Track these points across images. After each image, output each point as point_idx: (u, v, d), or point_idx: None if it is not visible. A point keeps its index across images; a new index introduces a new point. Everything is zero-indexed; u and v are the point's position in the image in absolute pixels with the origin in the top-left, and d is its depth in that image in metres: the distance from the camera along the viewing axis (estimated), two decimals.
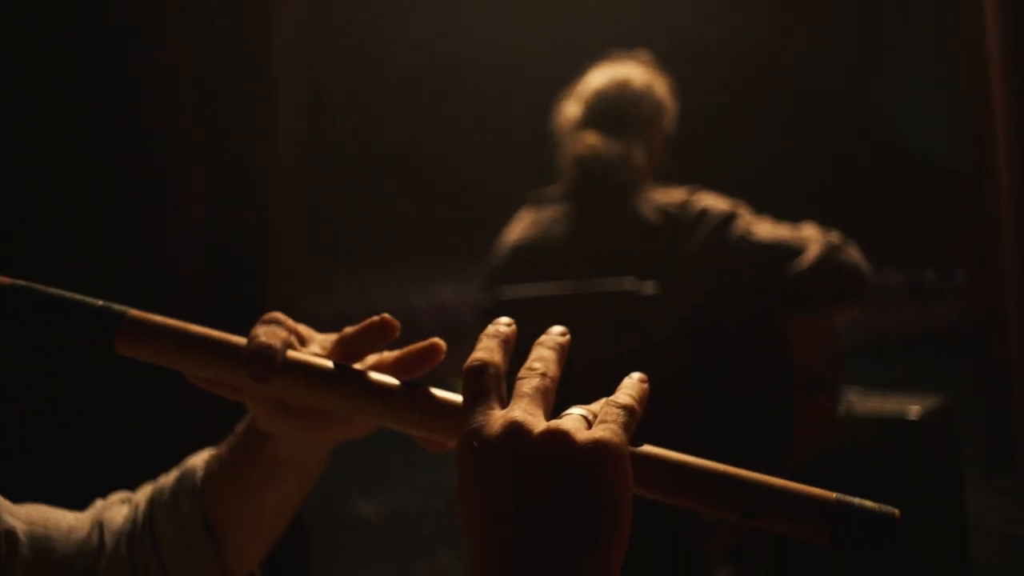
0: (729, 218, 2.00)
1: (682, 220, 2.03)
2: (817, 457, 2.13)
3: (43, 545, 0.96)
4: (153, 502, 1.02)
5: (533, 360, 0.71)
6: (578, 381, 2.04)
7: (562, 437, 0.63)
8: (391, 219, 5.97)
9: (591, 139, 2.16)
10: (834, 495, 0.66)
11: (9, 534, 0.94)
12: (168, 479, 1.04)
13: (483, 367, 0.69)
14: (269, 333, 0.82)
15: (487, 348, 0.71)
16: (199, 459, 1.03)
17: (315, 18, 3.22)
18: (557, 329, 0.74)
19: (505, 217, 2.33)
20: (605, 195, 2.13)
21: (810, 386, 2.05)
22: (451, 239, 5.84)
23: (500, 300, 2.06)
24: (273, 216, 3.09)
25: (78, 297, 0.84)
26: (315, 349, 0.85)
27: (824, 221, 2.07)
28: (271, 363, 0.79)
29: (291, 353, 0.81)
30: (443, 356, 0.82)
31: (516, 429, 0.64)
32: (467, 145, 5.65)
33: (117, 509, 1.03)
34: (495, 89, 4.89)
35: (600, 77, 2.24)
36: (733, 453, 2.10)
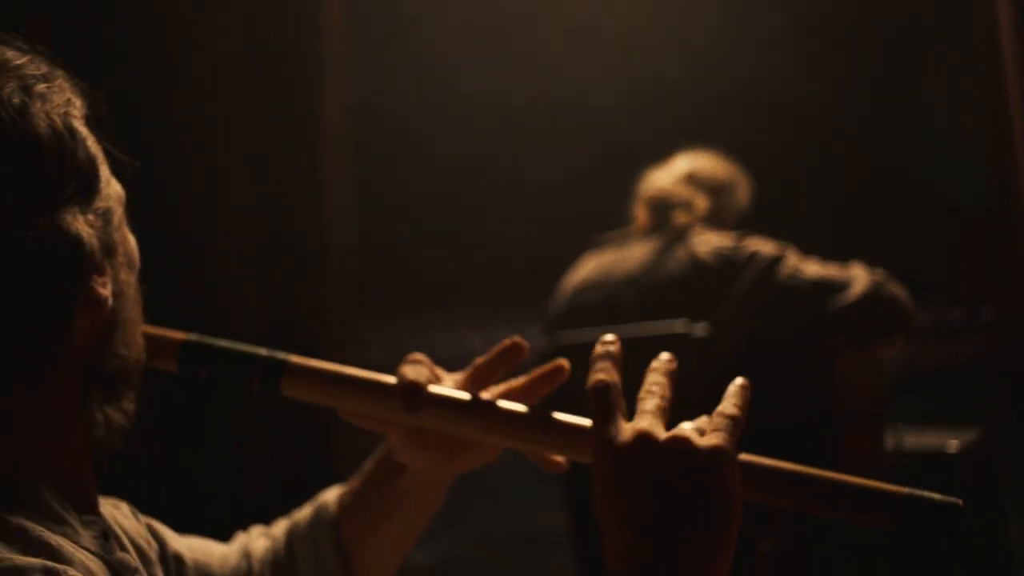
0: (777, 259, 2.12)
1: (734, 262, 2.15)
2: None
3: (204, 570, 1.10)
4: (290, 534, 1.16)
5: (650, 384, 0.82)
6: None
7: (685, 442, 0.74)
8: (444, 263, 6.09)
9: (662, 182, 2.36)
10: (905, 489, 0.78)
11: (177, 558, 1.08)
12: (303, 514, 1.17)
13: (606, 387, 0.79)
14: (415, 371, 0.93)
15: (605, 369, 0.81)
16: (331, 495, 1.17)
17: (362, 64, 3.33)
18: (665, 356, 0.85)
19: (556, 260, 2.46)
20: (665, 236, 2.27)
21: (856, 421, 2.14)
22: (502, 281, 5.94)
23: (557, 345, 2.16)
24: (324, 266, 3.20)
25: (246, 348, 0.97)
26: (449, 384, 0.97)
27: (856, 260, 2.19)
28: (419, 396, 0.91)
29: (432, 388, 0.93)
30: (567, 376, 0.95)
31: (645, 437, 0.75)
32: (521, 187, 5.76)
33: (258, 541, 1.17)
34: (546, 133, 5.02)
35: (680, 162, 2.46)
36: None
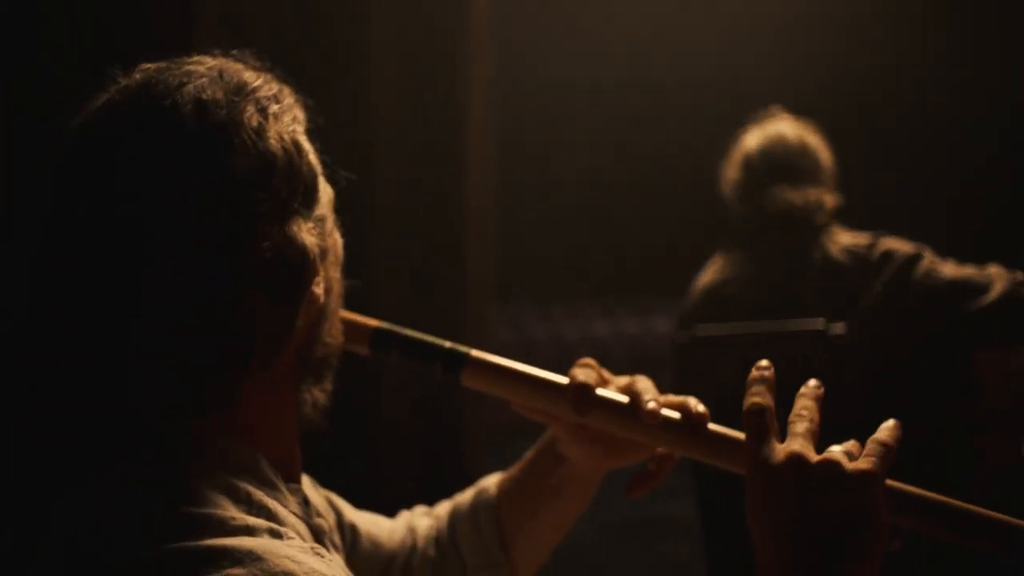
0: (914, 259, 2.10)
1: (868, 261, 2.13)
2: (995, 494, 2.17)
3: (374, 540, 1.22)
4: (453, 515, 1.26)
5: (800, 408, 0.88)
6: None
7: (835, 466, 0.80)
8: (575, 253, 6.12)
9: (783, 194, 2.30)
10: None
11: (352, 527, 1.20)
12: (465, 497, 1.28)
13: (762, 410, 0.86)
14: (586, 374, 1.02)
15: (760, 393, 0.87)
16: (492, 480, 1.27)
17: (504, 47, 3.37)
18: (813, 383, 0.92)
19: (686, 252, 2.48)
20: (798, 239, 2.26)
21: (994, 424, 2.11)
22: (632, 272, 5.94)
23: (694, 337, 2.20)
24: (464, 253, 3.27)
25: (430, 339, 1.07)
26: (613, 388, 1.05)
27: (981, 260, 2.14)
28: (589, 398, 1.00)
29: (600, 391, 1.01)
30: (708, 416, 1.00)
31: (797, 459, 0.81)
32: (653, 179, 5.75)
33: (422, 519, 1.29)
34: (693, 118, 4.99)
35: (755, 138, 2.40)
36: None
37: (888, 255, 2.12)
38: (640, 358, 5.52)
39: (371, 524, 1.23)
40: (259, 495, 0.84)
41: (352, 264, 2.88)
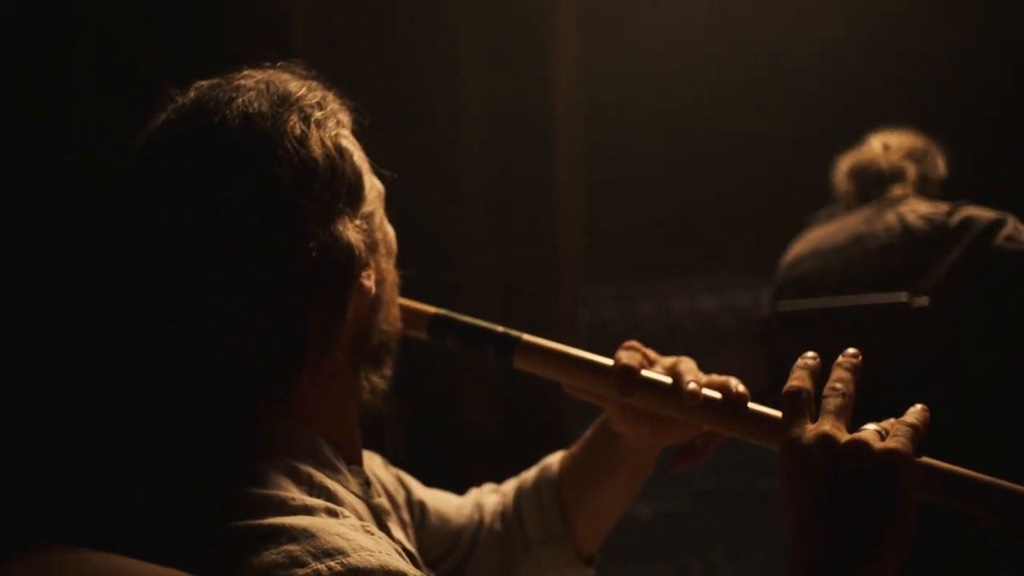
0: (996, 224, 2.04)
1: (947, 228, 2.08)
2: None
3: (443, 516, 1.29)
4: (519, 491, 1.33)
5: (834, 380, 0.91)
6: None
7: (864, 446, 0.83)
8: (653, 230, 6.10)
9: (870, 152, 2.34)
10: None
11: (420, 504, 1.28)
12: (529, 475, 1.34)
13: (798, 392, 0.90)
14: (630, 357, 1.07)
15: (800, 377, 0.91)
16: (555, 458, 1.33)
17: (590, 29, 3.38)
18: (851, 351, 0.94)
19: (764, 229, 2.49)
20: (875, 206, 2.25)
21: None
22: (710, 248, 5.90)
23: (777, 312, 2.23)
24: (555, 231, 3.30)
25: (484, 324, 1.14)
26: (658, 369, 1.10)
27: None
28: (633, 380, 1.05)
29: (644, 372, 1.06)
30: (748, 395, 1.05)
31: (827, 439, 0.84)
32: (732, 155, 5.70)
33: (490, 496, 1.36)
34: (763, 98, 4.92)
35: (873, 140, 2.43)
36: (996, 463, 2.13)
37: (968, 221, 2.06)
38: (717, 334, 5.49)
39: (440, 501, 1.30)
40: (320, 477, 0.91)
41: (444, 249, 2.94)
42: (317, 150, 0.91)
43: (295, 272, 0.88)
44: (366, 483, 1.02)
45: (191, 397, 0.90)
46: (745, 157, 5.39)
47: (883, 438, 0.85)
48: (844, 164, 2.42)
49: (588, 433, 1.27)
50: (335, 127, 0.96)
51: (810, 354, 0.95)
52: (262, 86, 0.93)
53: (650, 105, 5.76)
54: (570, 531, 1.27)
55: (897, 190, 2.28)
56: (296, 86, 0.96)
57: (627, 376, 1.05)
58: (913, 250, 2.11)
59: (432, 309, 1.15)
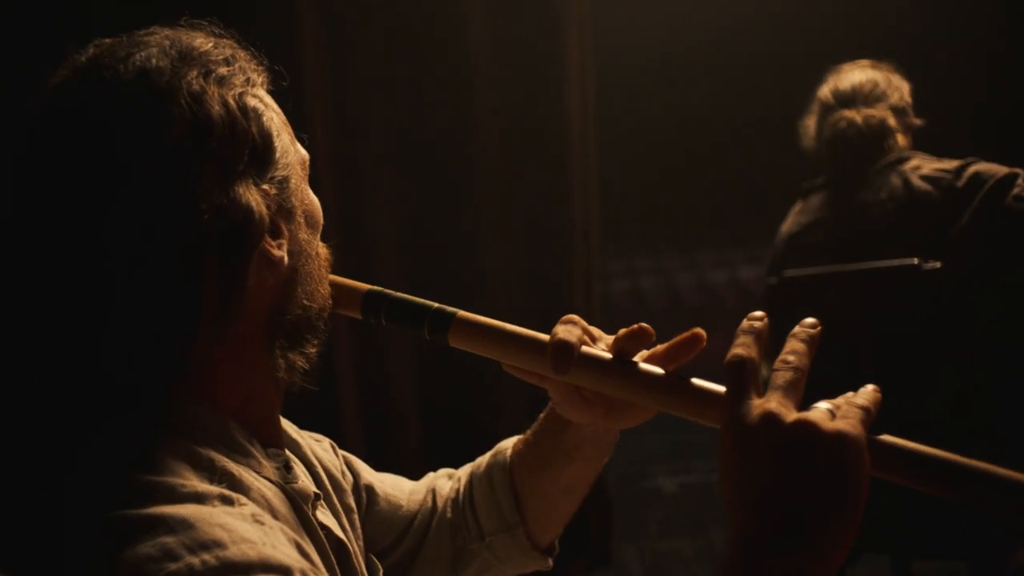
0: (1006, 180, 1.98)
1: (955, 188, 2.02)
2: None
3: (393, 501, 1.22)
4: (472, 476, 1.25)
5: (787, 352, 0.81)
6: (859, 355, 2.14)
7: (811, 426, 0.74)
8: (689, 202, 6.06)
9: (844, 113, 2.24)
10: None
11: (369, 489, 1.21)
12: (483, 459, 1.26)
13: (742, 362, 0.80)
14: (567, 332, 0.97)
15: (744, 344, 0.81)
16: (509, 442, 1.25)
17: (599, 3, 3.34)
18: (809, 321, 0.83)
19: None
20: (869, 168, 2.18)
21: None
22: (749, 220, 5.86)
23: (784, 279, 2.18)
24: (569, 206, 3.29)
25: (420, 300, 1.06)
26: (602, 346, 1.00)
27: None
28: (569, 357, 0.95)
29: (584, 349, 0.97)
30: (704, 344, 0.96)
31: (771, 418, 0.75)
32: (762, 127, 5.64)
33: (444, 481, 1.28)
34: (785, 71, 4.86)
35: (828, 83, 2.35)
36: (1010, 423, 2.09)
37: (976, 179, 2.00)
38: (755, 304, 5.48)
39: (391, 487, 1.24)
40: (223, 461, 0.85)
41: (460, 223, 2.92)
42: (215, 108, 0.86)
43: (185, 234, 0.83)
44: (286, 466, 0.97)
45: (84, 369, 0.85)
46: (758, 127, 5.34)
47: (833, 418, 0.77)
48: (810, 129, 2.35)
49: (541, 416, 1.18)
50: (243, 85, 0.91)
51: (757, 314, 0.84)
52: (166, 42, 0.89)
53: (663, 79, 5.71)
54: (523, 519, 1.20)
55: (891, 145, 2.21)
56: (202, 42, 0.91)
57: (563, 352, 0.95)
58: (921, 215, 2.05)
59: (365, 286, 1.08)
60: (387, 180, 3.16)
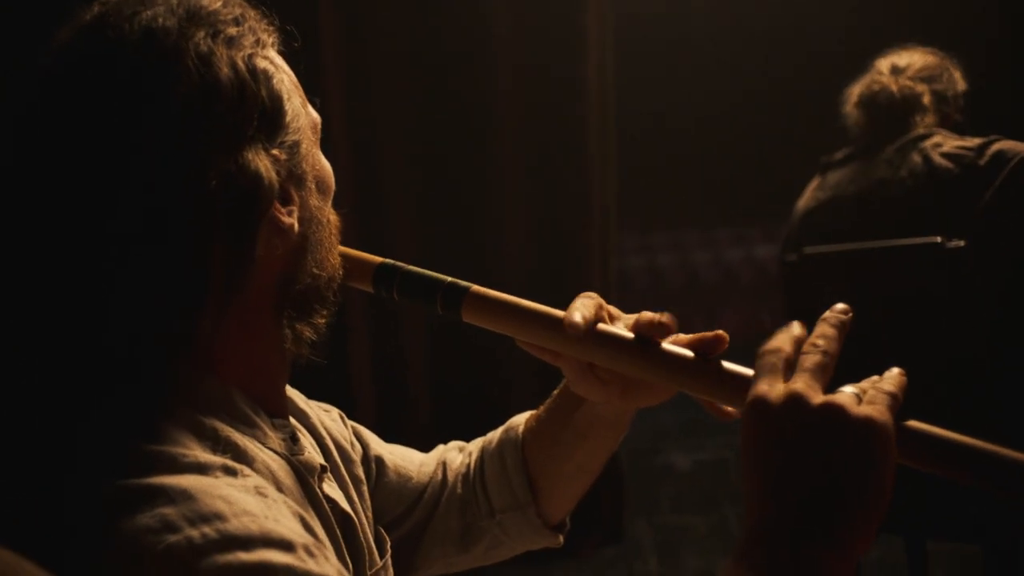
0: None
1: (976, 166, 1.99)
2: None
3: (403, 472, 1.21)
4: (483, 451, 1.23)
5: (816, 337, 0.78)
6: (879, 334, 2.11)
7: (838, 409, 0.71)
8: (706, 180, 6.02)
9: (879, 77, 2.22)
10: None
11: (378, 460, 1.20)
12: (495, 434, 1.24)
13: (776, 350, 0.78)
14: (583, 306, 0.95)
15: (782, 339, 0.79)
16: (521, 418, 1.23)
17: None
18: (840, 307, 0.81)
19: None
20: (891, 143, 2.15)
21: None
22: (765, 198, 5.83)
23: (803, 256, 2.13)
24: (588, 183, 3.28)
25: (433, 274, 1.03)
26: (621, 325, 0.98)
27: None
28: (583, 323, 0.93)
29: (601, 325, 0.95)
30: (726, 346, 0.92)
31: (798, 399, 0.72)
32: (775, 105, 5.59)
33: (455, 454, 1.27)
34: (798, 50, 4.81)
35: (888, 56, 2.31)
36: None
37: (999, 157, 1.97)
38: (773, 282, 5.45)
39: (401, 457, 1.23)
40: (227, 431, 0.84)
41: (479, 195, 2.92)
42: (224, 70, 0.84)
43: (193, 200, 0.81)
44: (292, 438, 0.96)
45: (89, 339, 0.83)
46: (778, 103, 5.29)
47: (860, 401, 0.74)
48: (854, 93, 2.31)
49: (554, 393, 1.16)
50: (252, 46, 0.88)
51: (796, 324, 0.81)
52: (173, 0, 0.86)
53: (683, 54, 5.67)
54: (535, 498, 1.19)
55: (917, 121, 2.18)
56: (210, 1, 0.88)
57: (578, 319, 0.93)
58: (942, 193, 2.02)
59: (378, 259, 1.04)
60: (404, 155, 3.16)
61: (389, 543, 1.12)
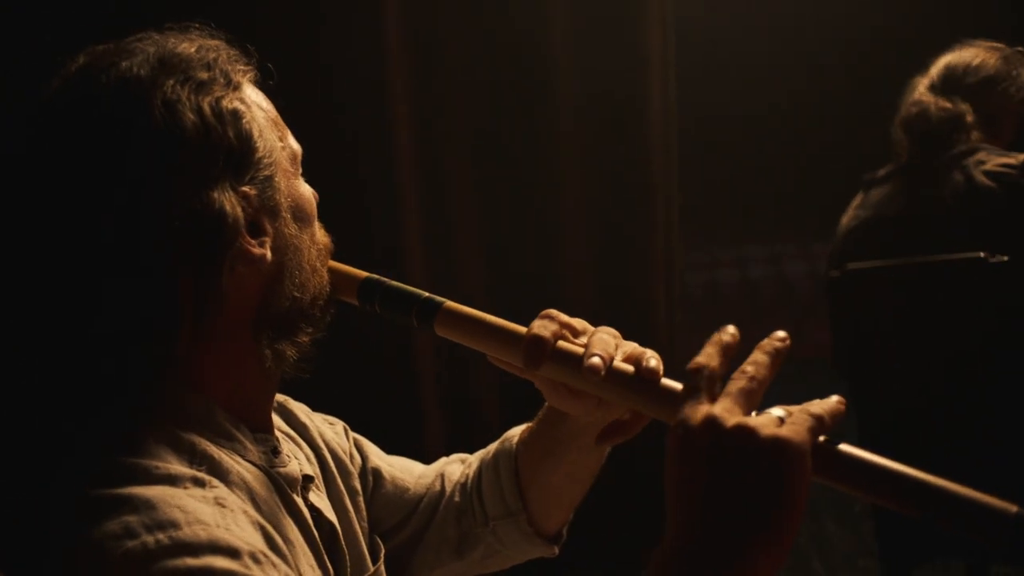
0: None
1: (1018, 184, 2.00)
2: None
3: (400, 484, 1.27)
4: (481, 462, 1.29)
5: (747, 363, 0.80)
6: (922, 349, 2.11)
7: (749, 431, 0.73)
8: (767, 194, 6.00)
9: (919, 97, 2.21)
10: (1015, 508, 0.71)
11: (375, 471, 1.26)
12: (493, 446, 1.29)
13: (700, 369, 0.80)
14: (542, 327, 0.98)
15: (708, 354, 0.81)
16: (517, 430, 1.27)
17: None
18: (780, 334, 0.82)
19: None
20: (934, 160, 2.15)
21: None
22: (827, 211, 5.82)
23: (847, 272, 2.16)
24: (652, 199, 3.27)
25: (411, 289, 1.08)
26: (583, 340, 1.00)
27: None
28: (541, 353, 0.97)
29: (560, 344, 0.98)
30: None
31: (712, 421, 0.75)
32: (834, 118, 5.56)
33: (455, 466, 1.32)
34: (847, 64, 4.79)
35: (941, 58, 2.30)
36: None
37: None
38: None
39: (399, 470, 1.28)
40: (204, 445, 0.90)
41: (540, 216, 2.92)
42: (188, 116, 0.89)
43: (159, 235, 0.87)
44: (273, 451, 1.00)
45: (74, 362, 0.91)
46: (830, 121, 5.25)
47: (781, 425, 0.75)
48: (899, 117, 2.29)
49: (545, 405, 1.18)
50: (222, 89, 0.93)
51: (729, 329, 0.83)
52: (151, 49, 0.92)
53: (745, 69, 5.66)
54: (526, 507, 1.22)
55: (960, 139, 2.15)
56: (187, 47, 0.94)
57: (536, 348, 0.96)
58: (983, 211, 2.03)
59: (363, 273, 1.09)
60: (469, 176, 3.20)
61: (383, 551, 1.17)
